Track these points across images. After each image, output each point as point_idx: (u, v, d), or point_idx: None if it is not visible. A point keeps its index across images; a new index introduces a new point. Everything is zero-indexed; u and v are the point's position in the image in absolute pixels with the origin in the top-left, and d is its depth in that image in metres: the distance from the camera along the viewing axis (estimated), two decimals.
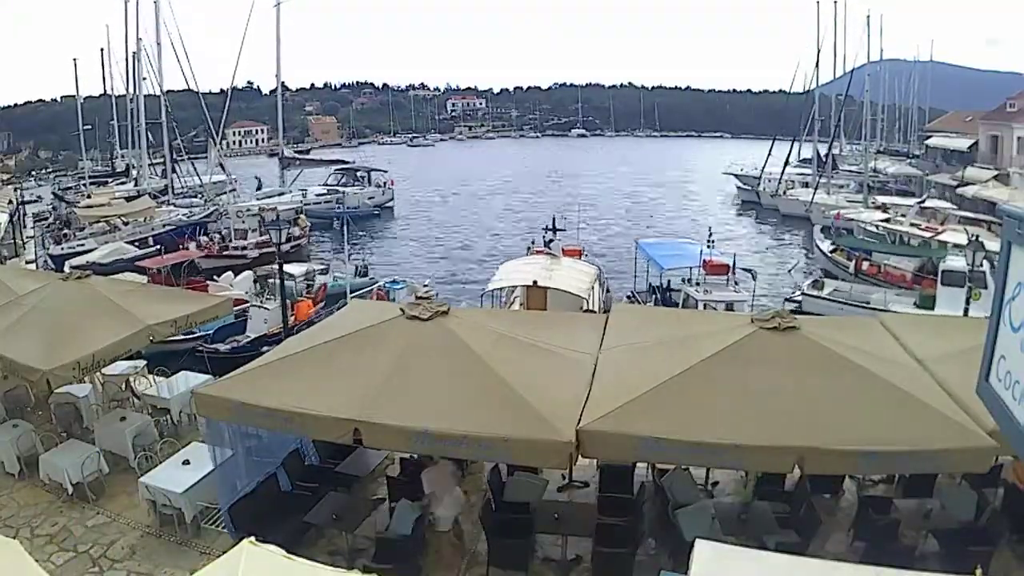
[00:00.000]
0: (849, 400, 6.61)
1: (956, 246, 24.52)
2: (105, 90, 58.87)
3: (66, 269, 23.35)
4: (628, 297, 23.92)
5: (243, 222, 33.59)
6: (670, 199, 61.65)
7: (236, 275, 25.36)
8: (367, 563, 7.43)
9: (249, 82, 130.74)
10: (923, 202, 36.75)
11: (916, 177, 54.33)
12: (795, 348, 7.24)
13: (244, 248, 31.66)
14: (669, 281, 22.54)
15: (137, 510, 9.22)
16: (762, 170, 53.76)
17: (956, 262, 22.10)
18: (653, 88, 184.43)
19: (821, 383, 6.80)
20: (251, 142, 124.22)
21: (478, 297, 20.91)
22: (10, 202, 40.64)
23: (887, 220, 31.30)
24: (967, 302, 18.19)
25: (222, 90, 50.87)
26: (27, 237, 38.02)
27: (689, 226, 45.23)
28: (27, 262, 31.99)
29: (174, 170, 48.15)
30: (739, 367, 7.02)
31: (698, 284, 20.41)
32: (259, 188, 47.01)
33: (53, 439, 10.53)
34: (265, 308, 20.53)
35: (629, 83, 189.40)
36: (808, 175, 50.33)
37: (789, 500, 8.42)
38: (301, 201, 42.45)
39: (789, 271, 31.91)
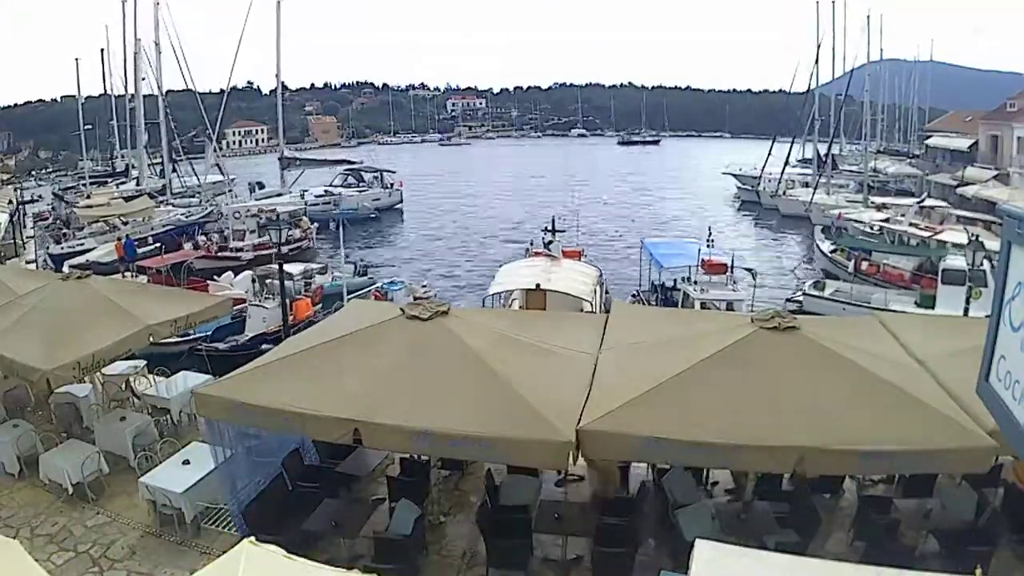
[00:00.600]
0: (849, 400, 6.61)
1: (955, 245, 24.55)
2: (105, 90, 58.78)
3: (66, 269, 23.38)
4: (633, 296, 23.96)
5: (242, 223, 33.58)
6: (670, 199, 61.65)
7: (236, 275, 25.37)
8: (367, 563, 7.42)
9: (249, 82, 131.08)
10: (922, 202, 36.75)
11: (916, 177, 54.35)
12: (795, 348, 7.24)
13: (240, 249, 31.64)
14: (675, 281, 22.58)
15: (137, 510, 9.22)
16: (762, 170, 53.76)
17: (956, 261, 22.13)
18: (653, 88, 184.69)
19: (821, 383, 6.80)
20: (251, 142, 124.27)
21: (480, 299, 20.86)
22: (10, 202, 40.64)
23: (886, 220, 31.34)
24: (967, 301, 18.20)
25: (222, 90, 50.78)
26: (27, 237, 37.99)
27: (690, 226, 45.24)
28: (27, 262, 31.97)
29: (173, 170, 48.11)
30: (739, 367, 7.01)
31: (696, 283, 20.41)
32: (252, 192, 46.75)
33: (53, 439, 10.52)
34: (264, 307, 20.52)
35: (629, 83, 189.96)
36: (808, 175, 50.30)
37: (789, 500, 8.42)
38: (300, 203, 42.34)
39: (792, 271, 31.99)
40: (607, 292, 22.91)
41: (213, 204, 39.68)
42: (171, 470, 9.13)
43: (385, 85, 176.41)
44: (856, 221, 32.83)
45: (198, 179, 46.24)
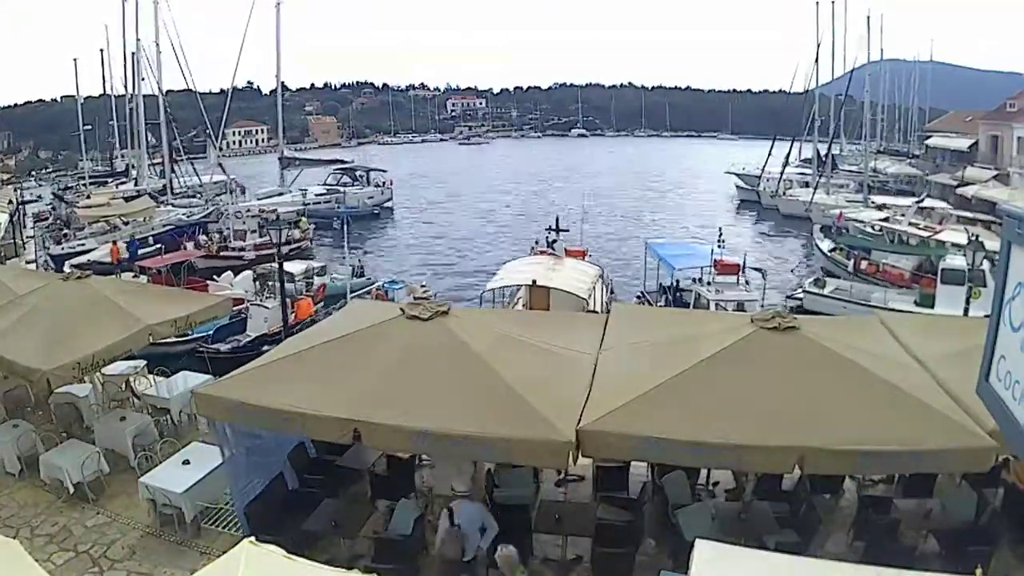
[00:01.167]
0: (849, 400, 6.60)
1: (955, 245, 24.57)
2: (105, 90, 58.93)
3: (66, 269, 23.38)
4: (638, 297, 23.97)
5: (243, 223, 33.59)
6: (670, 199, 61.62)
7: (236, 275, 25.37)
8: (367, 563, 7.42)
9: (249, 82, 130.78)
10: (921, 201, 36.79)
11: (916, 177, 54.34)
12: (795, 348, 7.24)
13: (242, 249, 31.66)
14: (678, 281, 22.60)
15: (137, 510, 9.21)
16: (762, 170, 53.76)
17: (956, 261, 22.13)
18: (653, 88, 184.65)
19: (821, 383, 6.79)
20: (251, 142, 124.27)
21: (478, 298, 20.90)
22: (10, 202, 40.62)
23: (886, 219, 31.36)
24: (967, 301, 18.21)
25: (222, 90, 50.92)
26: (27, 237, 38.00)
27: (690, 226, 45.23)
28: (27, 262, 31.96)
29: (173, 170, 48.13)
30: (739, 367, 7.01)
31: (709, 284, 20.44)
32: (236, 194, 46.89)
33: (53, 439, 10.51)
34: (265, 307, 20.47)
35: (629, 83, 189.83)
36: (808, 175, 50.31)
37: (789, 500, 8.41)
38: (302, 202, 42.37)
39: (792, 270, 32.02)
40: (612, 292, 22.95)
41: (214, 204, 39.68)
42: (171, 470, 9.12)
43: (385, 85, 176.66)
44: (856, 221, 32.86)
45: (199, 179, 46.23)
